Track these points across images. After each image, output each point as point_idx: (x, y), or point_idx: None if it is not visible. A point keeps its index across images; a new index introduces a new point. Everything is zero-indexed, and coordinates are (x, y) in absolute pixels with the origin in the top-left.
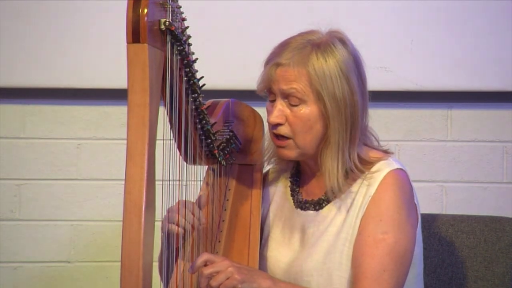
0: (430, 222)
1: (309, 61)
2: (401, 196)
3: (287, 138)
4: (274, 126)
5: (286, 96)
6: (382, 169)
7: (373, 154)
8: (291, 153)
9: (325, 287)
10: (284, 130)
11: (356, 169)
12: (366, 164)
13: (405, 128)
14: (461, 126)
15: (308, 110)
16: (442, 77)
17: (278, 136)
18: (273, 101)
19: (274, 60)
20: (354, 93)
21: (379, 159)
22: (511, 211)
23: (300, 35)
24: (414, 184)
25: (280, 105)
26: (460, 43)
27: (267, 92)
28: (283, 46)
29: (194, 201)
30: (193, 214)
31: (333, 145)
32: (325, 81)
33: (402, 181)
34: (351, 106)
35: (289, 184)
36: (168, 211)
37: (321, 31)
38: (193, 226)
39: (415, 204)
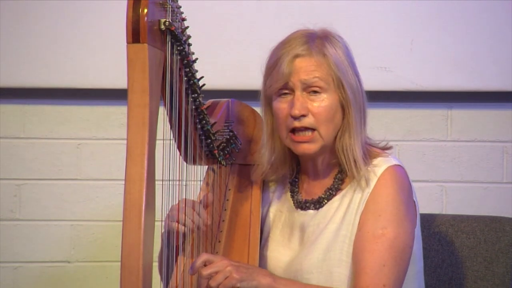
0: (430, 222)
1: (325, 50)
2: (400, 192)
3: (311, 130)
4: (297, 118)
5: (306, 87)
6: (380, 165)
7: (372, 150)
8: (314, 147)
9: (325, 284)
10: (308, 121)
11: (366, 158)
12: (369, 157)
13: (405, 128)
14: (461, 126)
15: (330, 98)
16: (442, 77)
17: (301, 131)
18: (286, 95)
19: (288, 54)
20: (360, 82)
21: (378, 155)
22: (511, 211)
23: (298, 31)
24: (414, 184)
25: (301, 97)
26: (460, 43)
27: (278, 90)
28: (291, 41)
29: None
30: (193, 209)
31: (354, 132)
32: (342, 69)
33: (400, 177)
34: (361, 94)
35: (288, 185)
36: (170, 209)
37: (313, 28)
38: (193, 222)
39: (414, 201)
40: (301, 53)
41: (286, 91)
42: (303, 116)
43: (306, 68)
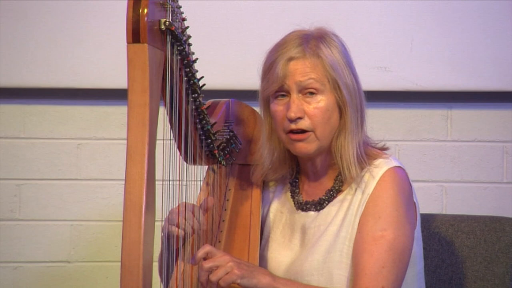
0: (430, 222)
1: (320, 52)
2: (400, 194)
3: (306, 131)
4: (293, 121)
5: (302, 89)
6: (381, 166)
7: (372, 150)
8: (310, 147)
9: (326, 286)
10: (304, 123)
11: (363, 159)
12: (368, 158)
13: (405, 128)
14: (461, 126)
15: (326, 100)
16: (442, 77)
17: (297, 131)
18: (282, 97)
19: (283, 57)
20: (357, 81)
21: (378, 156)
22: (511, 211)
23: (293, 32)
24: (414, 184)
25: (297, 100)
26: (460, 43)
27: (274, 93)
28: (286, 43)
29: (194, 201)
30: (192, 213)
31: (350, 133)
32: (337, 70)
33: (400, 179)
34: (358, 93)
35: (288, 185)
36: (170, 213)
37: (309, 28)
38: (193, 228)
39: (414, 202)
40: (295, 56)
41: (283, 93)
42: (299, 118)
43: (301, 70)
